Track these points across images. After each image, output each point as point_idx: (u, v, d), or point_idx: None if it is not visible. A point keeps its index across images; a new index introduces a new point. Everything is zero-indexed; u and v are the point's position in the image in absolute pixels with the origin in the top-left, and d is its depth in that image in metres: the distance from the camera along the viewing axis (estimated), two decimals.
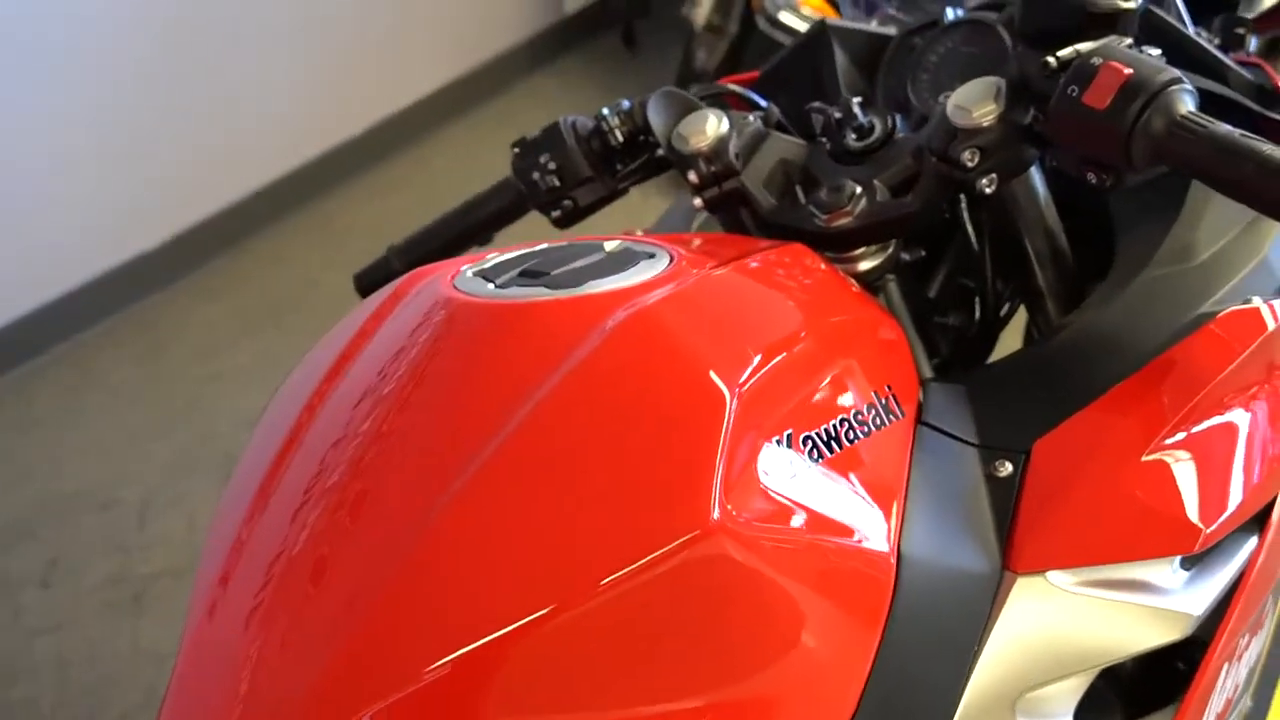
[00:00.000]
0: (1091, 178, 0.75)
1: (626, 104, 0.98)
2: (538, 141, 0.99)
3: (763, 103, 1.00)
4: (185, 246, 2.96)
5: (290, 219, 3.11)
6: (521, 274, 0.71)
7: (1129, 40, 0.77)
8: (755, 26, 2.87)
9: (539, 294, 0.68)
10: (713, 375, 0.62)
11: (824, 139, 0.92)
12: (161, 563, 2.25)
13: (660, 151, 0.95)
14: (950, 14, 1.02)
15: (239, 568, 0.63)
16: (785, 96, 1.07)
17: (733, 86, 1.01)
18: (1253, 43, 0.96)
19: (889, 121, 0.90)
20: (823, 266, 0.81)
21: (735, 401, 0.61)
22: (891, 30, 1.08)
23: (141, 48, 2.76)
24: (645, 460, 0.59)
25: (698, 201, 0.92)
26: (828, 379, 0.68)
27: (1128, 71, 0.72)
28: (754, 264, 0.75)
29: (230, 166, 3.01)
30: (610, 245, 0.75)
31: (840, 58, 1.06)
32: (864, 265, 0.90)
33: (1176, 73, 0.72)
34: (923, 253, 0.94)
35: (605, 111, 0.98)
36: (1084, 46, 0.76)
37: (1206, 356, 0.76)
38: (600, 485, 0.59)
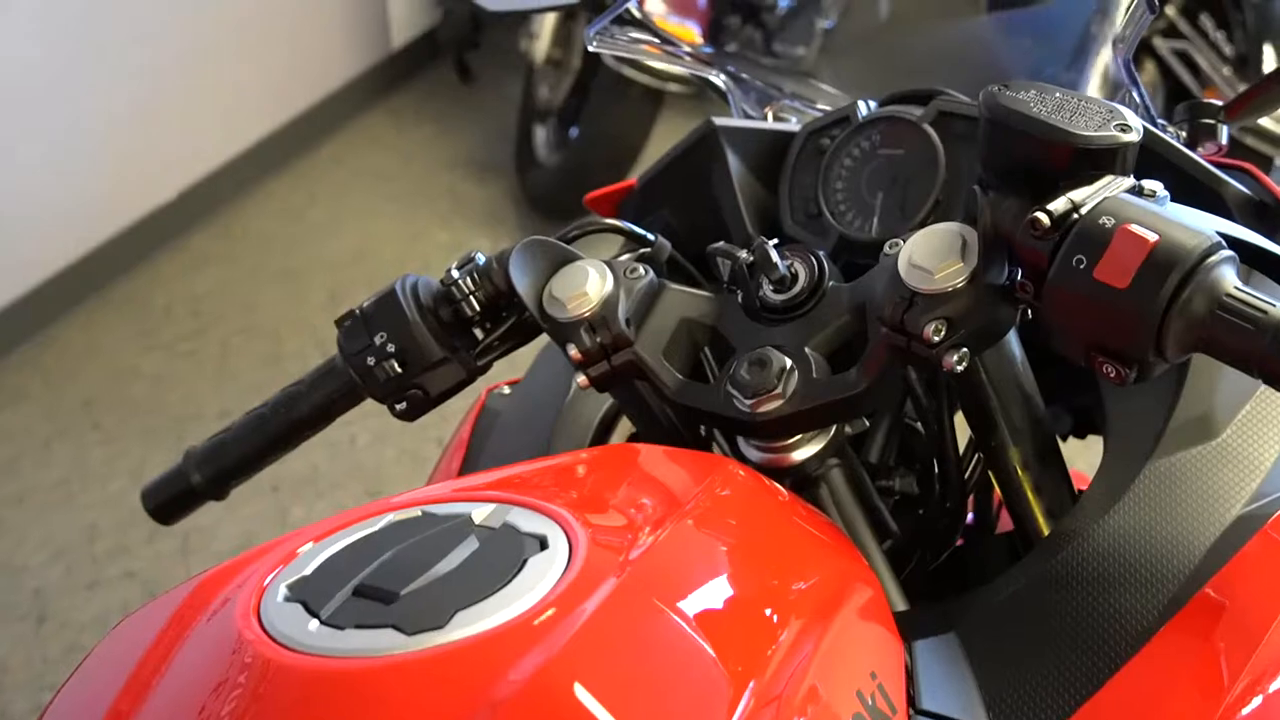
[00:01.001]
0: (1110, 370, 0.57)
1: (481, 259, 0.76)
2: (369, 315, 0.75)
3: (650, 236, 0.80)
4: None
5: (99, 301, 2.83)
6: (357, 592, 0.50)
7: (1130, 181, 0.60)
8: (600, 59, 2.69)
9: (386, 644, 0.47)
10: None
11: (733, 288, 0.74)
12: None
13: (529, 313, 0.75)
14: (863, 108, 0.85)
15: None
16: (671, 208, 0.89)
17: (610, 221, 0.81)
18: (1224, 133, 0.80)
19: (815, 266, 0.72)
20: (743, 475, 0.63)
21: None
22: (792, 126, 0.91)
23: None
24: None
25: (582, 379, 0.73)
26: (808, 713, 0.49)
27: (1152, 239, 0.55)
28: (681, 527, 0.55)
29: (25, 246, 2.68)
30: (480, 516, 0.55)
31: (734, 162, 0.88)
32: (800, 455, 0.72)
33: (1213, 234, 0.55)
34: (866, 424, 0.75)
35: (455, 273, 0.75)
36: (1078, 195, 0.58)
37: (1265, 580, 0.60)
38: None
